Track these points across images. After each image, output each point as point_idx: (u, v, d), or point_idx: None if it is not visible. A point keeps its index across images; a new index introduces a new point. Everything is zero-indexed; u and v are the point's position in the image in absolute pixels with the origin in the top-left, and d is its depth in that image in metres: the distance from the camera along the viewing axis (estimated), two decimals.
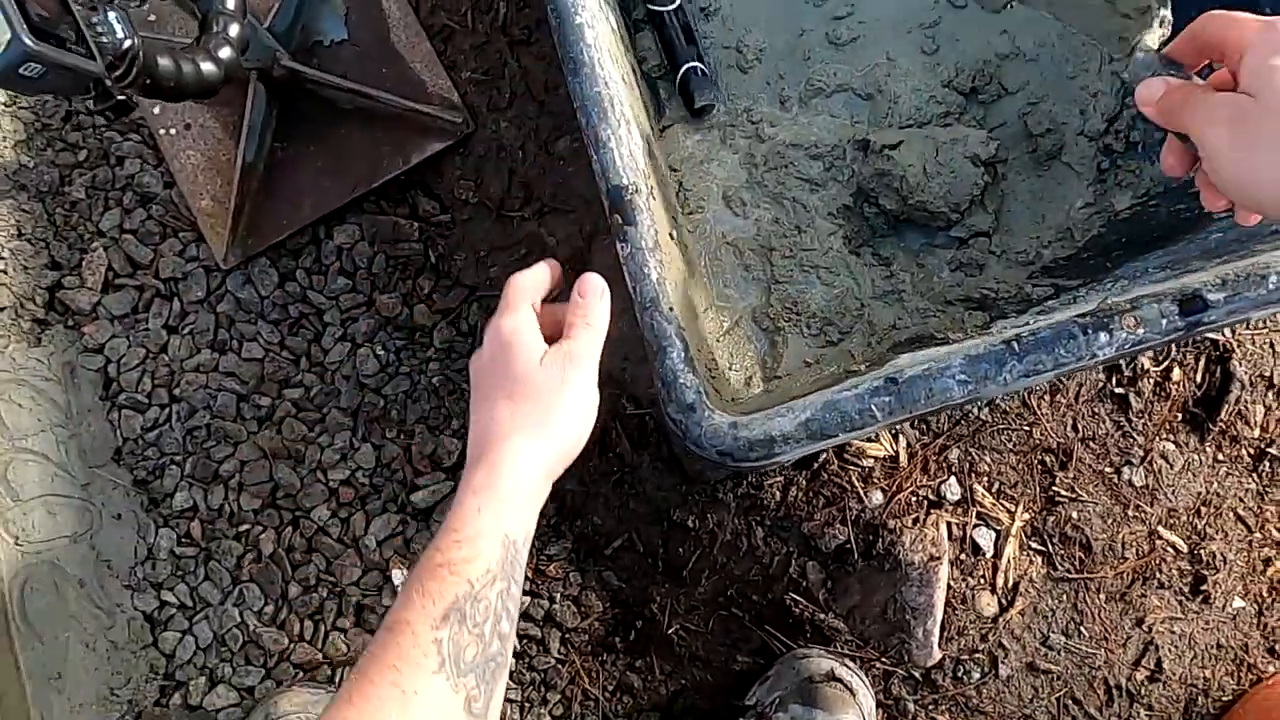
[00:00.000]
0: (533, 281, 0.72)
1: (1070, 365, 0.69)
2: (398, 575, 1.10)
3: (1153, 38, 0.66)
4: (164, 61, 0.71)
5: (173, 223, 1.17)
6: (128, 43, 0.66)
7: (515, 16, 1.12)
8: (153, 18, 1.17)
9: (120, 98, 0.65)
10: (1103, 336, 0.68)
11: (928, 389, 0.68)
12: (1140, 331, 0.68)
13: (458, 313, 1.16)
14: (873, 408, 0.68)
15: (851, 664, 1.02)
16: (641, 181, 0.76)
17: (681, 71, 0.96)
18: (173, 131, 1.16)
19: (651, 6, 0.98)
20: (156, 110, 1.16)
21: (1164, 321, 0.68)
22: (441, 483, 1.12)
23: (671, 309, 0.73)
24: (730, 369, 0.91)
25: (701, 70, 0.97)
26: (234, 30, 0.83)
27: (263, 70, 1.07)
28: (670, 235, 0.84)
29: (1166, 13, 0.70)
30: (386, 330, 1.16)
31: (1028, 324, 0.78)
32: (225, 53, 0.81)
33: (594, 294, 0.69)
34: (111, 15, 0.65)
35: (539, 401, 0.65)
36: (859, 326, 0.91)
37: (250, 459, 1.13)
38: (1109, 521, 1.05)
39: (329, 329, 1.15)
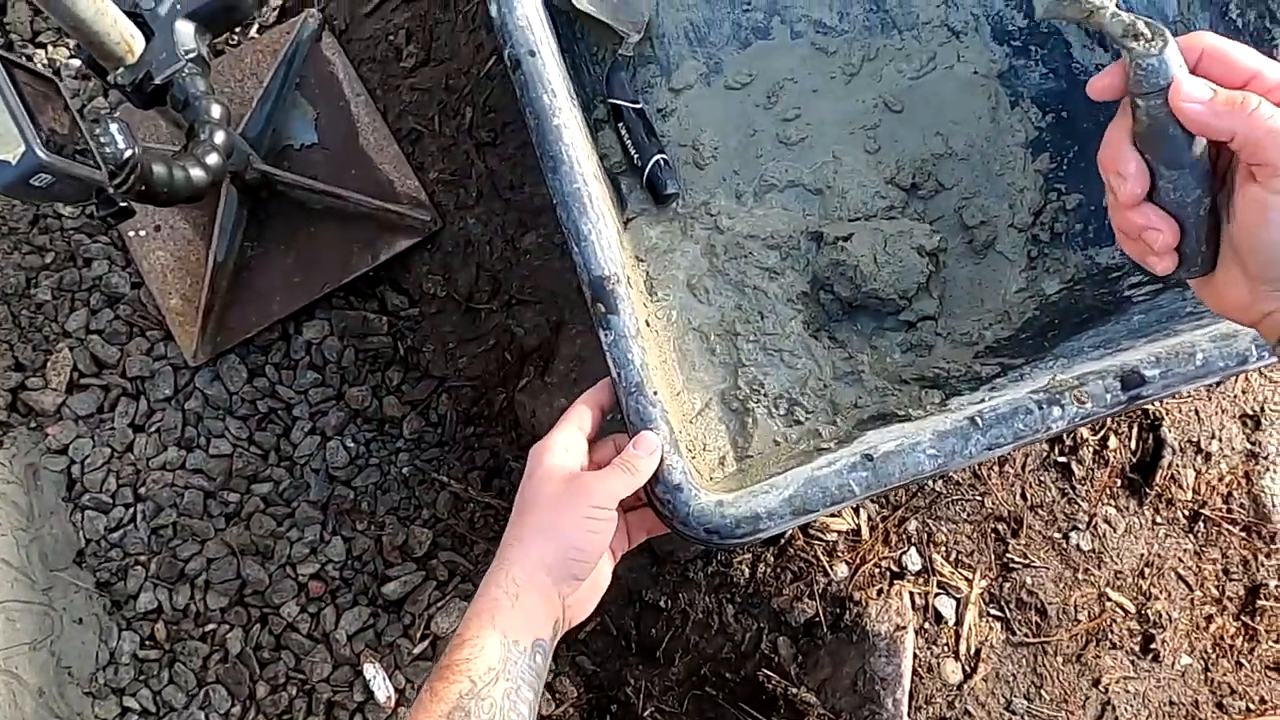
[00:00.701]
0: (578, 411, 0.77)
1: (1027, 437, 0.75)
2: (369, 670, 1.09)
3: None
4: (158, 169, 0.75)
5: (140, 322, 1.18)
6: (129, 152, 0.69)
7: (481, 120, 1.18)
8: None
9: (122, 204, 0.68)
10: (1055, 410, 0.75)
11: (901, 464, 0.74)
12: (1088, 405, 0.75)
13: (427, 403, 1.18)
14: (851, 483, 0.74)
15: None
16: (621, 271, 0.81)
17: (651, 162, 1.02)
18: (143, 233, 1.18)
19: (616, 103, 1.04)
20: None
21: (1108, 396, 0.75)
22: (413, 573, 1.13)
23: (656, 393, 0.77)
24: (704, 449, 0.95)
25: (667, 162, 1.03)
26: (219, 138, 0.87)
27: (235, 173, 1.10)
28: (646, 322, 0.88)
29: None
30: (356, 423, 1.17)
31: (983, 400, 0.84)
32: (213, 159, 0.85)
33: (644, 449, 0.73)
34: (114, 127, 0.68)
35: (545, 516, 0.68)
36: (823, 406, 0.96)
37: (217, 556, 1.12)
38: (1061, 585, 1.10)
39: (298, 423, 1.17)
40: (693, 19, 1.10)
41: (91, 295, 1.18)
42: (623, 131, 1.05)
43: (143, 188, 0.73)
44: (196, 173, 0.81)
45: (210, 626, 1.11)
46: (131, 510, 1.13)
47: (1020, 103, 1.06)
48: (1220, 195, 0.52)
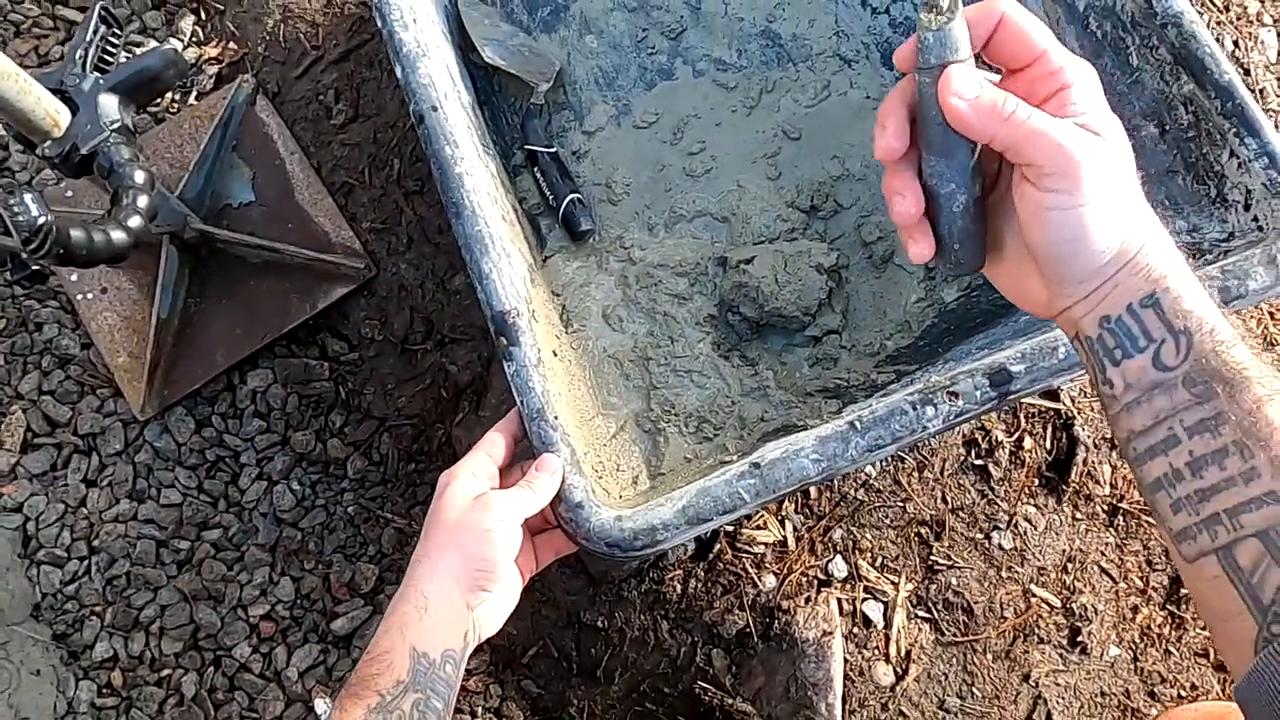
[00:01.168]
0: (489, 440, 0.82)
1: (906, 438, 0.80)
2: (320, 705, 1.12)
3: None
4: (76, 233, 0.80)
5: (90, 381, 1.22)
6: (41, 219, 0.74)
7: (408, 170, 1.24)
8: (69, 193, 1.26)
9: (35, 268, 0.73)
10: (929, 410, 0.79)
11: (786, 470, 0.79)
12: (960, 403, 0.80)
13: (369, 443, 1.22)
14: (740, 490, 0.78)
15: None
16: (523, 306, 0.86)
17: (565, 201, 1.08)
18: (90, 295, 1.23)
19: (531, 148, 1.10)
20: (74, 277, 1.24)
21: (978, 393, 0.80)
22: (361, 609, 1.16)
23: (556, 418, 0.81)
24: (619, 469, 0.99)
25: (580, 200, 1.09)
26: (142, 201, 0.92)
27: (174, 234, 1.16)
28: (554, 353, 0.93)
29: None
30: (301, 466, 1.21)
31: (870, 406, 0.89)
32: (135, 222, 0.90)
33: (545, 469, 0.77)
34: (28, 197, 0.74)
35: (450, 531, 0.73)
36: (731, 422, 1.01)
37: (170, 603, 1.16)
38: (986, 584, 1.14)
39: (245, 469, 1.21)
40: (601, 65, 1.17)
41: (43, 358, 1.23)
42: (538, 175, 1.10)
43: (60, 251, 0.78)
44: (117, 235, 0.86)
45: (165, 671, 1.14)
46: (86, 563, 1.17)
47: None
48: (997, 193, 0.55)
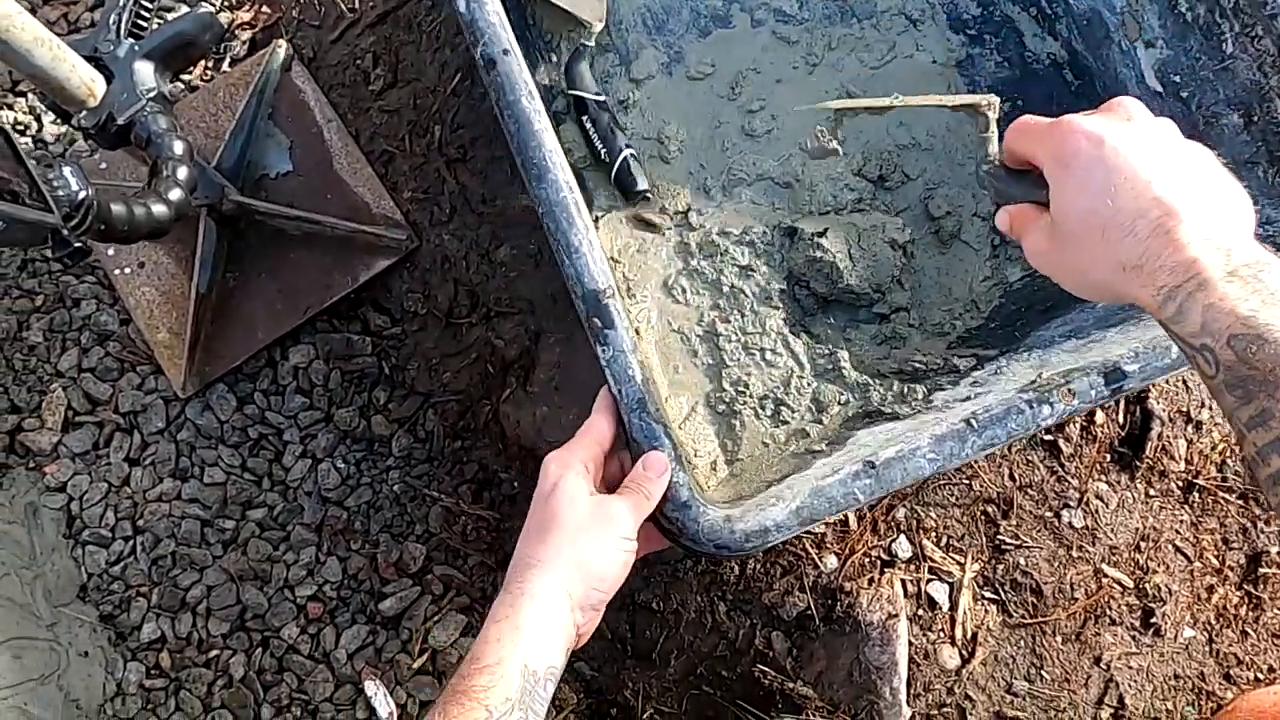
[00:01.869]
0: (596, 426, 0.77)
1: (1020, 435, 0.77)
2: (370, 687, 1.11)
3: (992, 146, 0.75)
4: (117, 208, 0.76)
5: (130, 357, 1.20)
6: (82, 194, 0.71)
7: (450, 137, 1.19)
8: (104, 165, 1.22)
9: (77, 245, 0.70)
10: (1045, 409, 0.77)
11: (903, 469, 0.75)
12: (1075, 402, 0.77)
13: (414, 420, 1.19)
14: (856, 490, 0.75)
15: None
16: (614, 283, 0.80)
17: (620, 157, 1.00)
18: (127, 270, 1.20)
19: (578, 94, 1.03)
20: (111, 252, 1.21)
21: (1093, 392, 0.78)
22: (409, 589, 1.14)
23: (658, 409, 0.76)
24: (696, 455, 0.94)
25: (635, 157, 1.02)
26: (183, 173, 0.88)
27: (212, 206, 1.12)
28: (636, 330, 0.88)
29: (991, 115, 0.77)
30: (346, 443, 1.19)
31: (969, 396, 0.85)
32: (175, 194, 0.86)
33: (655, 470, 0.73)
34: (67, 170, 0.70)
35: (571, 541, 0.68)
36: (807, 404, 0.96)
37: (217, 583, 1.14)
38: (1055, 564, 1.09)
39: (289, 447, 1.18)
40: (650, 5, 1.10)
41: (82, 334, 1.20)
42: (588, 125, 1.03)
43: (102, 227, 0.74)
44: (158, 208, 0.83)
45: (213, 652, 1.12)
46: (131, 543, 1.15)
47: (977, 92, 1.05)
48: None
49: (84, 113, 0.89)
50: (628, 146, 1.02)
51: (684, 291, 1.02)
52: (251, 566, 1.14)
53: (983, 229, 1.03)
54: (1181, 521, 1.12)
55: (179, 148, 0.90)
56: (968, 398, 0.84)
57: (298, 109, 1.23)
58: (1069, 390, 0.77)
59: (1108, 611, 1.09)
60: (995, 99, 0.75)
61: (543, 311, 1.15)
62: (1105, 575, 1.10)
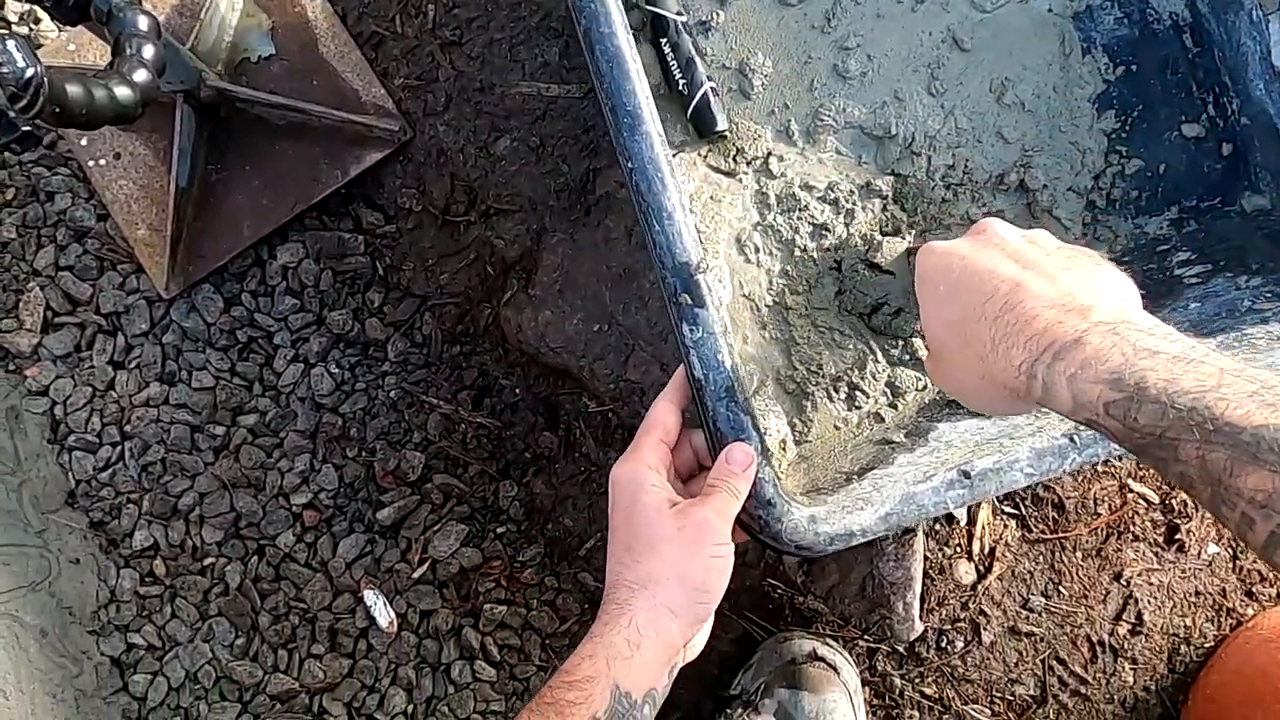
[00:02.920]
0: (661, 420, 0.70)
1: (1119, 454, 0.73)
2: (369, 596, 1.08)
3: None
4: (73, 89, 0.69)
5: (110, 255, 1.14)
6: (29, 71, 0.63)
7: (444, 18, 1.10)
8: (73, 46, 1.14)
9: (25, 128, 0.63)
10: None
11: (998, 481, 0.70)
12: None
13: (410, 324, 1.14)
14: (948, 500, 0.70)
15: (834, 643, 1.01)
16: (707, 255, 0.72)
17: (701, 91, 0.88)
18: (102, 162, 1.13)
19: (658, 11, 0.90)
20: (84, 142, 1.13)
21: None
22: (407, 497, 1.10)
23: (747, 400, 0.70)
24: (765, 434, 0.88)
25: (715, 90, 0.89)
26: (148, 52, 0.80)
27: (189, 92, 1.04)
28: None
29: None
30: (339, 348, 1.13)
31: None
32: (140, 75, 0.78)
33: (740, 465, 0.67)
34: (11, 44, 0.62)
35: (665, 559, 0.63)
36: (882, 389, 0.89)
37: (209, 490, 1.10)
38: (1079, 479, 1.05)
39: (280, 351, 1.13)
40: None
41: (58, 231, 1.13)
42: (666, 49, 0.90)
43: (56, 109, 0.67)
44: (121, 90, 0.75)
45: (208, 560, 1.10)
46: (119, 448, 1.11)
47: (1092, 50, 0.96)
48: None
49: None
50: (709, 79, 0.89)
51: (756, 250, 0.91)
52: (244, 474, 1.10)
53: (1078, 205, 0.94)
54: None
55: (144, 23, 0.81)
56: None
57: None
58: None
59: (1130, 528, 1.06)
60: None
61: (545, 209, 1.08)
62: (1130, 490, 1.06)
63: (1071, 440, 0.71)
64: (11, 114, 0.62)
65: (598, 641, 0.61)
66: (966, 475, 0.70)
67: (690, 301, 0.69)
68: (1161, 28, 0.98)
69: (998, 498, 1.05)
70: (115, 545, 1.10)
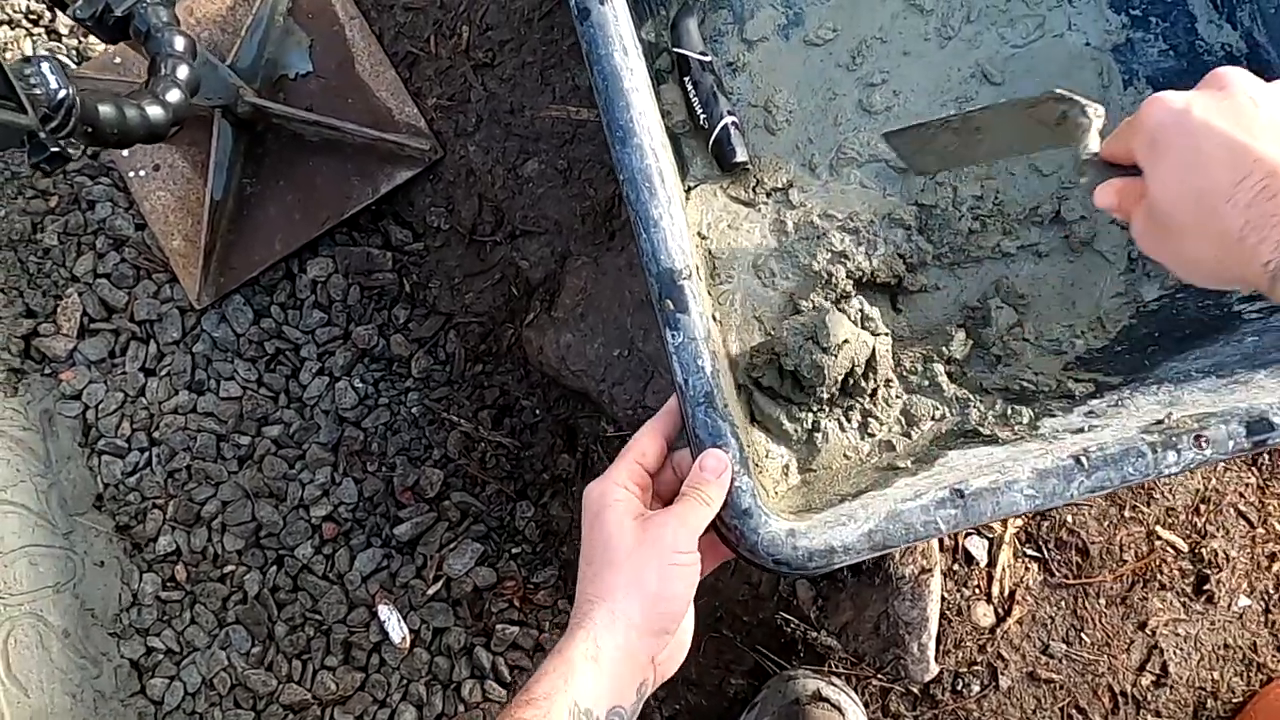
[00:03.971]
0: (639, 443, 0.69)
1: (1135, 480, 0.68)
2: (383, 611, 1.09)
3: (1092, 138, 0.68)
4: (105, 109, 0.71)
5: (146, 264, 1.16)
6: (62, 93, 0.65)
7: (478, 40, 1.11)
8: (118, 60, 1.16)
9: (54, 149, 0.64)
10: (1170, 456, 0.67)
11: (995, 503, 0.67)
12: (1208, 452, 0.67)
13: (435, 341, 1.15)
14: (938, 519, 0.67)
15: (839, 682, 1.00)
16: (692, 263, 0.72)
17: (720, 125, 0.90)
18: (142, 173, 1.16)
19: (683, 53, 0.92)
20: (125, 153, 1.16)
21: (1231, 443, 0.67)
22: (425, 514, 1.11)
23: (726, 406, 0.69)
24: (767, 455, 0.87)
25: (737, 125, 0.91)
26: (183, 73, 0.82)
27: (226, 107, 1.06)
28: (713, 316, 0.80)
29: (1086, 107, 0.69)
30: (364, 362, 1.15)
31: (1082, 429, 0.76)
32: (173, 96, 0.80)
33: (713, 472, 0.66)
34: (45, 66, 0.64)
35: (622, 570, 0.61)
36: (897, 415, 0.88)
37: (232, 499, 1.12)
38: (1105, 524, 1.02)
39: (306, 364, 1.14)
40: None
41: (97, 239, 1.16)
42: (689, 87, 0.92)
43: (88, 130, 0.69)
44: (154, 110, 0.77)
45: (229, 568, 1.11)
46: (147, 454, 1.13)
47: (1134, 82, 0.94)
48: None
49: (80, 2, 0.82)
50: (730, 113, 0.91)
51: (771, 275, 0.91)
52: (266, 484, 1.12)
53: (1120, 239, 0.91)
54: (1247, 485, 1.04)
55: (180, 43, 0.83)
56: (1081, 429, 0.75)
57: (319, 5, 1.16)
58: (1202, 437, 0.67)
59: (1158, 576, 1.03)
60: (1100, 108, 0.68)
61: (570, 233, 1.08)
62: (1159, 538, 1.03)
63: (1079, 462, 0.67)
64: (42, 135, 0.63)
65: (557, 658, 0.59)
66: (960, 494, 0.66)
67: (673, 307, 0.70)
68: (1213, 59, 0.95)
69: (1020, 539, 1.03)
70: (139, 549, 1.12)
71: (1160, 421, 0.70)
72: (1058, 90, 0.69)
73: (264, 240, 1.14)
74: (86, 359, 1.14)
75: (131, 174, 1.16)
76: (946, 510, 0.67)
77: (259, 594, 1.10)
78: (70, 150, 0.66)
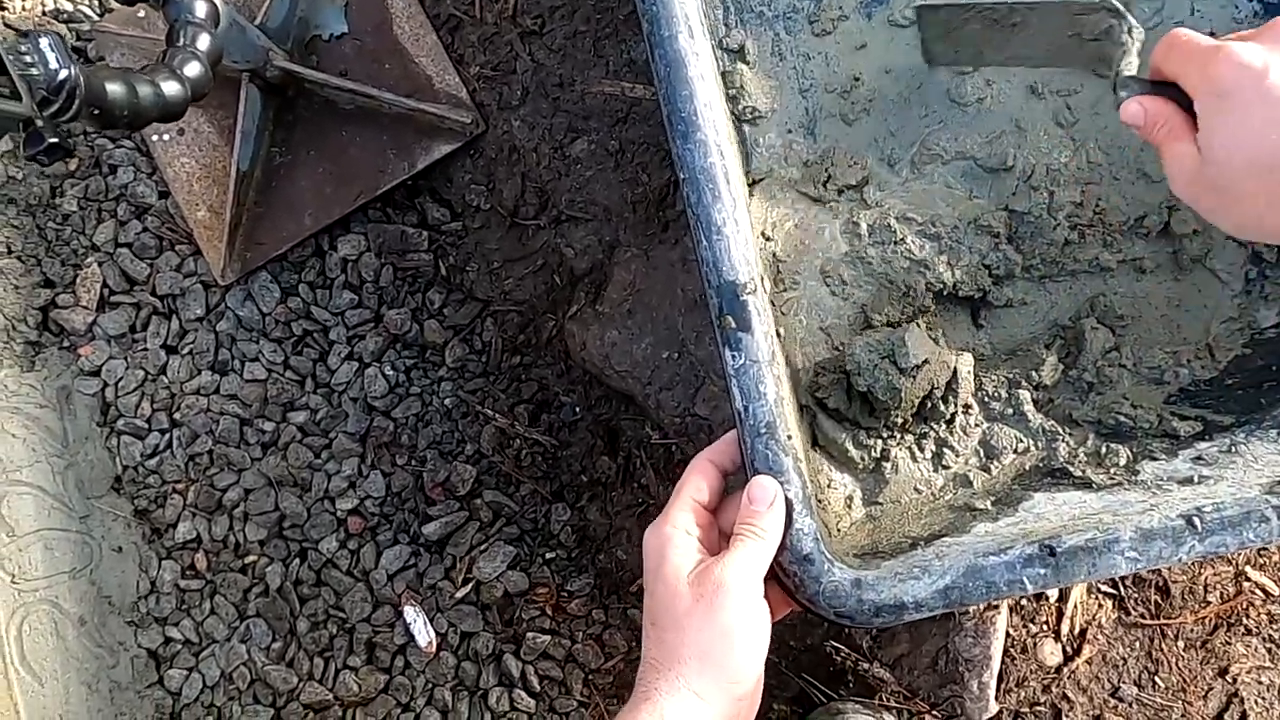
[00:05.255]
0: (693, 478, 0.63)
1: (1254, 546, 0.61)
2: (410, 613, 1.03)
3: (1131, 60, 0.64)
4: (114, 88, 0.63)
5: (169, 235, 1.10)
6: (63, 73, 0.57)
7: (526, 5, 1.02)
8: (142, 14, 1.09)
9: (52, 140, 0.57)
10: None
11: (1091, 564, 0.59)
12: None
13: (471, 329, 1.08)
14: (1024, 579, 0.59)
15: (890, 718, 0.93)
16: (758, 275, 0.65)
17: None
18: (165, 138, 1.09)
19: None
20: None
21: None
22: (455, 512, 1.05)
23: (790, 437, 0.62)
24: (830, 485, 0.79)
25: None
26: (203, 43, 0.74)
27: (255, 71, 0.99)
28: (777, 332, 0.72)
29: (1133, 28, 0.63)
30: (395, 348, 1.08)
31: (1191, 479, 0.68)
32: (192, 70, 0.72)
33: (763, 502, 0.60)
34: (44, 42, 0.56)
35: (684, 630, 0.56)
36: (975, 446, 0.79)
37: (255, 487, 1.07)
38: (1190, 562, 0.94)
39: (335, 347, 1.08)
40: None
41: (119, 206, 1.10)
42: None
43: (94, 111, 0.61)
44: (170, 87, 0.69)
45: (250, 558, 1.06)
46: (167, 436, 1.08)
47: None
48: None
49: None
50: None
51: (842, 283, 0.82)
52: (291, 473, 1.06)
53: (1238, 256, 0.82)
54: None
55: (201, 9, 0.75)
56: (1189, 479, 0.67)
57: None
58: None
59: (1244, 620, 0.95)
60: (1142, 30, 0.64)
61: (620, 220, 1.00)
62: (1248, 579, 0.94)
63: (1191, 524, 0.60)
64: (39, 123, 0.56)
65: None
66: (1051, 552, 0.59)
67: (734, 325, 0.63)
68: None
69: None
70: (158, 535, 1.07)
71: None
72: (1112, 1, 0.64)
73: (293, 214, 1.07)
74: (106, 333, 1.08)
75: (155, 138, 1.09)
76: (1035, 570, 0.60)
77: (281, 587, 1.06)
78: (69, 143, 0.58)
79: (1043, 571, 0.59)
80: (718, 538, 0.63)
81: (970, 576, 0.58)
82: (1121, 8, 0.63)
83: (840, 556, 0.60)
